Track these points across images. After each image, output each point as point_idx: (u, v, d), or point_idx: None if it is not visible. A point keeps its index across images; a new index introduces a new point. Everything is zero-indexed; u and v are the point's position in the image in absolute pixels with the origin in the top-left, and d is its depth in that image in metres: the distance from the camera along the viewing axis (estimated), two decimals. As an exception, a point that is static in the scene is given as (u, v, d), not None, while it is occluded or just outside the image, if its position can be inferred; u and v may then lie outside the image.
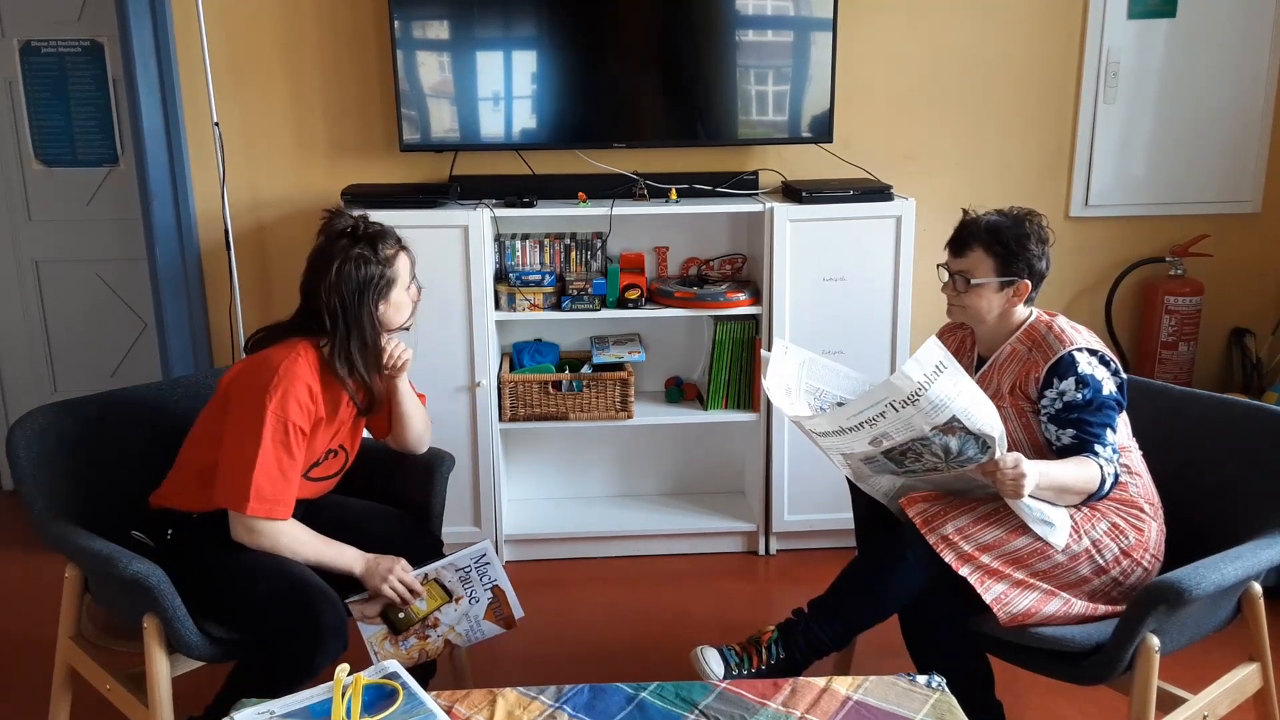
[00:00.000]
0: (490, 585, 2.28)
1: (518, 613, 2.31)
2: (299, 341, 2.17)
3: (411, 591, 2.20)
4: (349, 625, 2.11)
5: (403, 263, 2.24)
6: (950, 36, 3.39)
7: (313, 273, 2.20)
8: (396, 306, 2.24)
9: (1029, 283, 2.19)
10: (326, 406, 2.17)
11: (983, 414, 1.91)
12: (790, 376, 2.22)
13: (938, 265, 2.29)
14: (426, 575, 2.24)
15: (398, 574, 2.17)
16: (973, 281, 2.19)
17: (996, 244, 2.18)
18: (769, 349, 2.24)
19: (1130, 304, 3.65)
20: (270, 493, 2.07)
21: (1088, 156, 3.51)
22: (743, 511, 3.48)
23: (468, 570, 2.26)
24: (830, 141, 3.29)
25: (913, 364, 1.84)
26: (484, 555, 2.27)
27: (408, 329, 2.31)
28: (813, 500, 3.29)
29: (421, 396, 2.47)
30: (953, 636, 2.12)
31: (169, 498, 2.21)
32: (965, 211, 2.28)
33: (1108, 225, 3.59)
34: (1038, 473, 1.96)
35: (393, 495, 2.46)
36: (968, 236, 2.22)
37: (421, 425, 2.43)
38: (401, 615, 2.22)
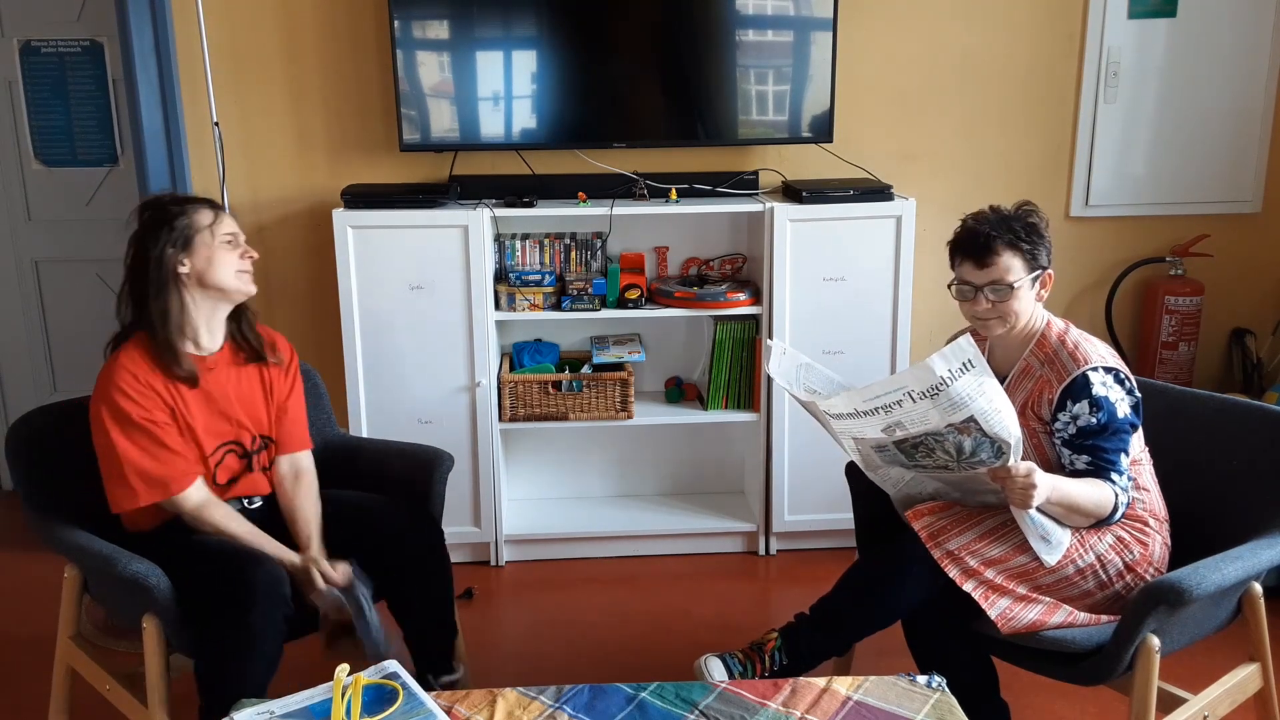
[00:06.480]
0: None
1: (377, 647, 2.20)
2: (128, 340, 2.19)
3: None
4: (288, 586, 2.07)
5: (200, 214, 2.18)
6: (950, 36, 3.39)
7: (125, 261, 2.20)
8: (207, 259, 2.17)
9: (1051, 271, 2.13)
10: (170, 386, 2.15)
11: (1002, 418, 1.87)
12: (789, 374, 2.21)
13: (952, 284, 2.16)
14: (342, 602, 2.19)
15: (310, 597, 2.15)
16: (1015, 285, 2.09)
17: (1021, 240, 2.09)
18: (769, 340, 2.22)
19: (1130, 304, 3.65)
20: (152, 475, 2.10)
21: (1088, 156, 3.51)
22: (743, 511, 3.48)
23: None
24: (830, 141, 3.29)
25: (939, 358, 1.81)
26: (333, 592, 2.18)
27: (249, 293, 2.24)
28: (813, 500, 3.29)
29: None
30: (956, 640, 2.12)
31: (125, 519, 2.24)
32: (964, 220, 2.17)
33: (1108, 225, 3.59)
34: (1050, 486, 1.94)
35: (391, 495, 2.45)
36: (989, 241, 2.09)
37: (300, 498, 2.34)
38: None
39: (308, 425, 2.43)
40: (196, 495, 2.15)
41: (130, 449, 2.09)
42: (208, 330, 2.23)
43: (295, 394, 2.39)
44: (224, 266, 2.18)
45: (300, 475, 2.34)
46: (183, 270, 2.16)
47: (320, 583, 2.15)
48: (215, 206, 2.23)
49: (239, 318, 2.28)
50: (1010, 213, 2.15)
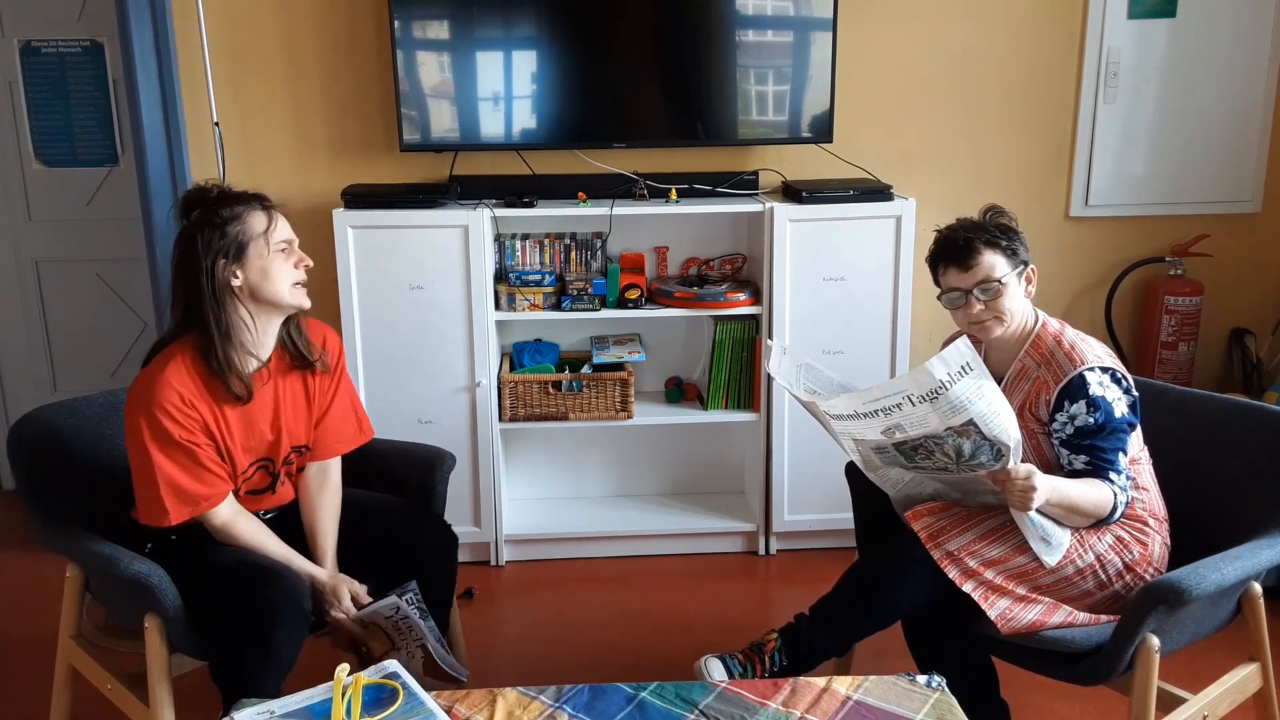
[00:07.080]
0: (419, 643, 2.17)
1: (457, 673, 2.19)
2: (175, 347, 2.06)
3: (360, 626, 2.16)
4: (309, 599, 2.05)
5: (254, 219, 2.04)
6: (950, 36, 3.39)
7: (172, 263, 2.07)
8: (261, 271, 2.04)
9: (1034, 266, 2.17)
10: (215, 408, 2.07)
11: (1001, 421, 1.87)
12: (789, 374, 2.22)
13: (942, 294, 2.19)
14: (363, 621, 2.17)
15: (334, 614, 2.15)
16: (1003, 280, 2.11)
17: (998, 238, 2.13)
18: (770, 339, 2.22)
19: (1130, 304, 3.65)
20: (186, 492, 2.04)
21: (1088, 156, 3.51)
22: (743, 511, 3.48)
23: (396, 620, 2.16)
24: (830, 141, 3.29)
25: (938, 362, 1.81)
26: (397, 608, 2.13)
27: (303, 307, 2.12)
28: (813, 500, 3.29)
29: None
30: (956, 640, 2.12)
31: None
32: (937, 232, 2.21)
33: (1108, 225, 3.59)
34: (1049, 488, 1.95)
35: (394, 494, 2.45)
36: (969, 243, 2.13)
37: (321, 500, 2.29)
38: (364, 649, 2.19)
39: (354, 421, 2.34)
40: (225, 511, 2.10)
41: (167, 464, 2.02)
42: (261, 343, 2.13)
43: (339, 397, 2.29)
44: (279, 280, 2.06)
45: (327, 482, 2.29)
46: (235, 283, 2.04)
47: (348, 603, 2.14)
48: (268, 206, 2.09)
49: (288, 322, 2.17)
50: (979, 219, 2.20)
